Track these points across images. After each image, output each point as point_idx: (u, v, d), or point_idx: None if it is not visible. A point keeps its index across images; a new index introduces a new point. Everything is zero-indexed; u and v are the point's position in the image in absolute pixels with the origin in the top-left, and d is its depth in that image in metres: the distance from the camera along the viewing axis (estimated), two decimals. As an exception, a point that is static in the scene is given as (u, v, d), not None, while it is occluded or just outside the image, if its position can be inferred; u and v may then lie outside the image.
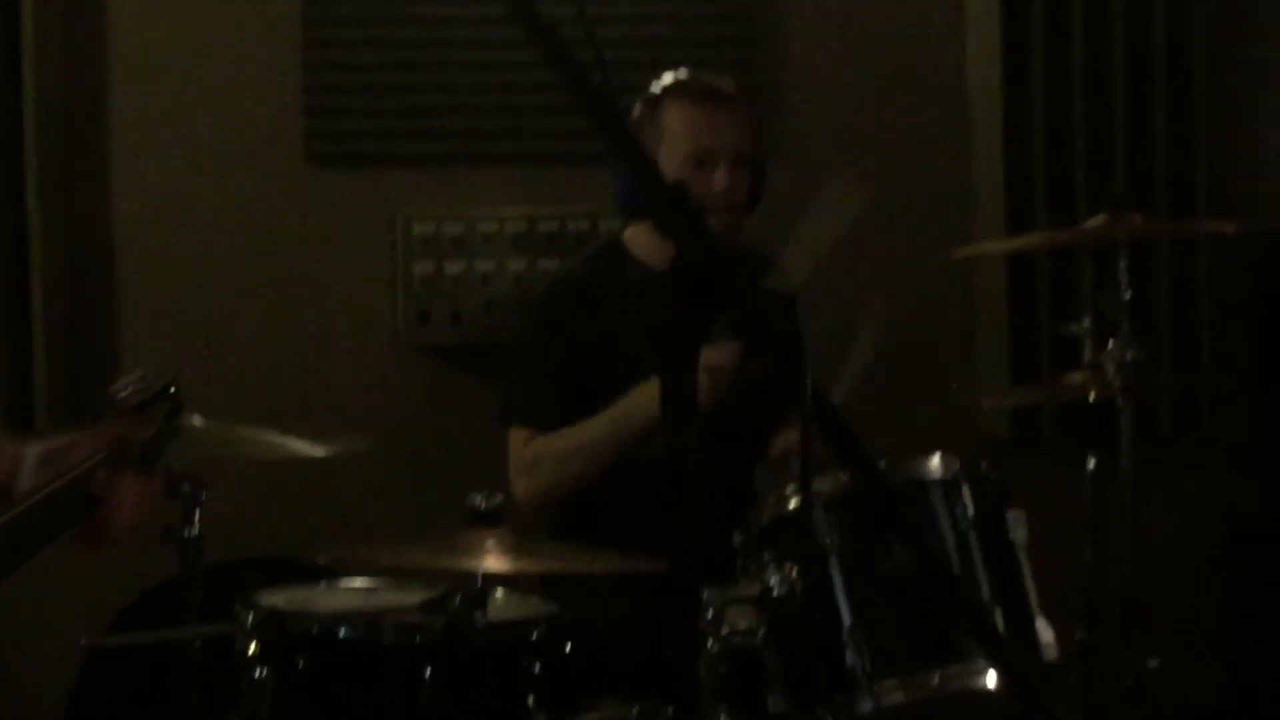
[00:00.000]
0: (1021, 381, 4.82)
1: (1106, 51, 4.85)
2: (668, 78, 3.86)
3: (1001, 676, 3.02)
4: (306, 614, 3.26)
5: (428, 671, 3.13)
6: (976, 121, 4.87)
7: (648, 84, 3.88)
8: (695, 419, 2.06)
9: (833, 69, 4.86)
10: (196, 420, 3.46)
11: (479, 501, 3.19)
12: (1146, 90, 4.86)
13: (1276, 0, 5.00)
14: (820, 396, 2.09)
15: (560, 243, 4.65)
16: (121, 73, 4.65)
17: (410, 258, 4.67)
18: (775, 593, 3.12)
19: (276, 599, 3.31)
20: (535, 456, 3.80)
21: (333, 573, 3.54)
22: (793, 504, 3.21)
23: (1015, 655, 3.06)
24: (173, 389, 2.56)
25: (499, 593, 3.36)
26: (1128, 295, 3.93)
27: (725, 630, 3.05)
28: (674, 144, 3.77)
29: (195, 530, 3.42)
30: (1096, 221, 4.04)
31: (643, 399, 3.63)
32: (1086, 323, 3.97)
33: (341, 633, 3.21)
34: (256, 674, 3.19)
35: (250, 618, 3.22)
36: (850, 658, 3.12)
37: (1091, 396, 3.98)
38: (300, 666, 3.19)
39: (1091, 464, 4.03)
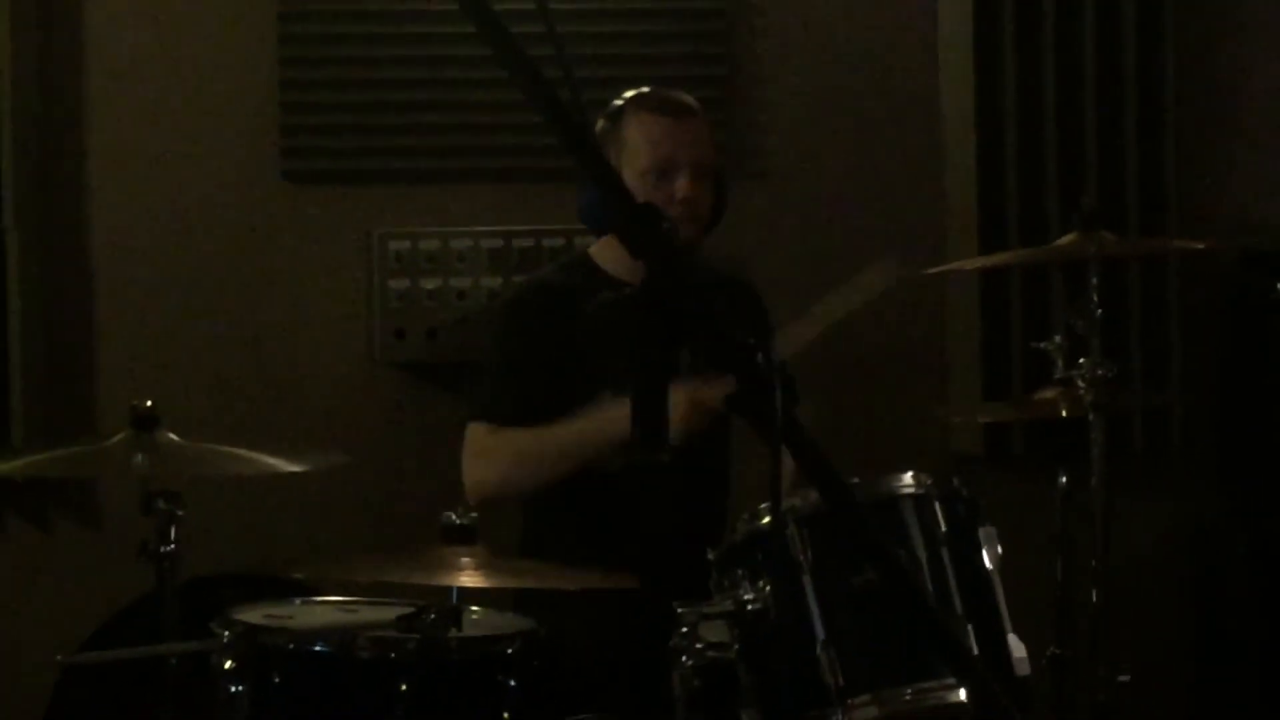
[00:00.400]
0: (993, 398, 4.83)
1: (1078, 70, 4.87)
2: (629, 93, 3.89)
3: (973, 693, 3.03)
4: (282, 630, 3.27)
5: (403, 687, 3.14)
6: (949, 139, 4.89)
7: (620, 102, 3.91)
8: (666, 442, 2.07)
9: (806, 89, 4.87)
10: (172, 437, 3.48)
11: (454, 518, 3.20)
12: (1118, 109, 4.89)
13: (1247, 21, 5.03)
14: (791, 413, 2.10)
15: (535, 259, 4.65)
16: (98, 89, 4.65)
17: (386, 274, 4.68)
18: (749, 608, 3.13)
19: (252, 615, 3.31)
20: (492, 448, 3.77)
21: (308, 589, 3.54)
22: (765, 520, 3.23)
23: (987, 671, 3.08)
24: None
25: (474, 609, 3.37)
26: (1099, 312, 3.95)
27: (699, 646, 3.06)
28: (634, 156, 3.78)
29: (171, 546, 3.41)
30: (1068, 239, 4.07)
31: (616, 415, 3.64)
32: (1058, 340, 4.00)
33: (317, 648, 3.21)
34: (233, 689, 3.19)
35: (226, 634, 3.22)
36: (823, 673, 3.13)
37: (1063, 413, 4.00)
38: (276, 682, 3.19)
39: (1063, 480, 4.06)
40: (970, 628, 3.21)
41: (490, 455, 3.78)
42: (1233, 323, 5.00)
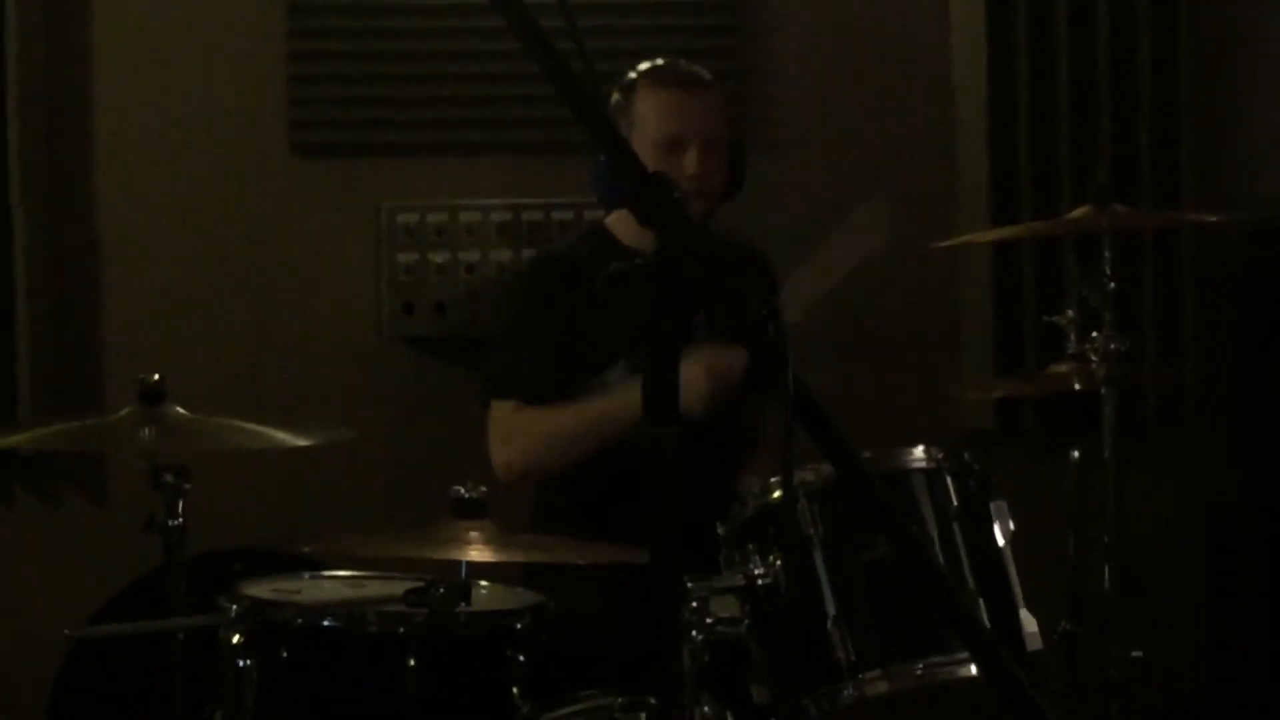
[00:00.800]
0: (1006, 372, 4.82)
1: (1091, 43, 4.85)
2: (643, 66, 3.87)
3: (984, 668, 3.01)
4: (290, 605, 3.25)
5: (412, 662, 3.13)
6: (961, 112, 4.87)
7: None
8: (678, 416, 2.05)
9: (818, 61, 4.86)
10: (180, 410, 3.47)
11: (463, 492, 3.19)
12: (1131, 81, 4.87)
13: (1261, -8, 5.02)
14: (803, 386, 2.08)
15: (545, 232, 4.64)
16: (105, 63, 4.64)
17: (394, 248, 4.67)
18: (759, 583, 3.12)
19: (260, 589, 3.30)
20: (520, 428, 3.77)
21: (317, 563, 3.53)
22: (776, 494, 3.21)
23: (998, 646, 3.06)
24: None
25: (483, 583, 3.36)
26: (1112, 286, 3.93)
27: (709, 621, 3.04)
28: (645, 129, 3.79)
29: (179, 521, 3.41)
30: (1081, 212, 4.04)
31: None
32: (1071, 314, 3.97)
33: (325, 623, 3.20)
34: (240, 664, 3.18)
35: (234, 608, 3.21)
36: (834, 648, 3.11)
37: (1075, 387, 3.98)
38: (284, 657, 3.18)
39: (1075, 455, 4.03)
40: (982, 603, 3.20)
41: (519, 435, 3.77)
42: (1246, 297, 4.98)
